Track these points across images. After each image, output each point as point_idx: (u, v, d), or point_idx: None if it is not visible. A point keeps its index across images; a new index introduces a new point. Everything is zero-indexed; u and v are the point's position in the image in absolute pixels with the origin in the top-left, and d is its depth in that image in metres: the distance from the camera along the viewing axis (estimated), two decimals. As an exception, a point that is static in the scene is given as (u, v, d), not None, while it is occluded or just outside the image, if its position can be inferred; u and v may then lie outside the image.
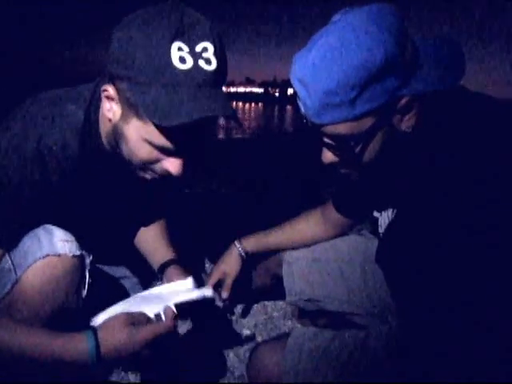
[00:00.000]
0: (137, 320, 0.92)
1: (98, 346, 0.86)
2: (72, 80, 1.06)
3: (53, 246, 0.93)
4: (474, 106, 0.85)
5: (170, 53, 0.79)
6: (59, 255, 0.93)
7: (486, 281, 0.77)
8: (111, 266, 1.24)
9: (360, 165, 0.87)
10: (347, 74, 0.76)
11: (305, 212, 1.42)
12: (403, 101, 0.80)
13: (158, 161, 0.90)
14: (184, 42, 0.80)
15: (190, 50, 0.80)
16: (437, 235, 0.81)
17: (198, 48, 0.81)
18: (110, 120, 0.89)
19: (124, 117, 0.86)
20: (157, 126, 0.82)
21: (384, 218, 1.00)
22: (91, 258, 0.99)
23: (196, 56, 0.80)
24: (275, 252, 1.43)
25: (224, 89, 0.87)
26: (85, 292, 0.99)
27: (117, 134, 0.89)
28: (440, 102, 0.83)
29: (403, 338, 1.00)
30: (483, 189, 0.75)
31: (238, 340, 1.48)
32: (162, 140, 0.85)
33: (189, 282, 1.09)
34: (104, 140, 0.95)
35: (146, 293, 1.06)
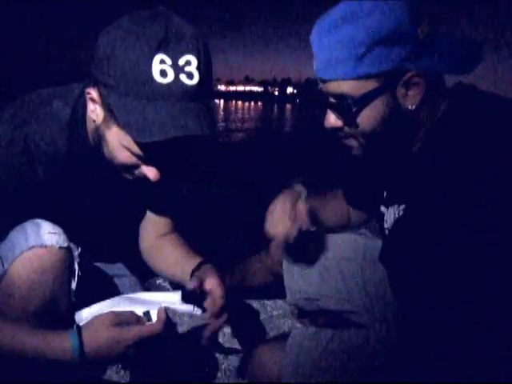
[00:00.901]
0: (125, 319, 0.90)
1: (81, 344, 0.86)
2: (72, 80, 1.06)
3: (39, 238, 0.93)
4: (486, 105, 0.85)
5: (151, 65, 0.79)
6: (46, 246, 0.93)
7: (487, 281, 0.76)
8: (108, 263, 1.23)
9: (360, 132, 0.89)
10: (357, 30, 0.81)
11: None
12: (409, 74, 0.83)
13: (137, 166, 0.91)
14: (167, 54, 0.80)
15: (173, 63, 0.80)
16: (443, 235, 0.81)
17: (181, 61, 0.80)
18: (94, 121, 0.91)
19: (106, 121, 0.87)
20: None
21: (390, 213, 1.00)
22: (79, 250, 0.99)
23: (178, 70, 0.80)
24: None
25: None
26: (74, 284, 0.99)
27: (99, 135, 0.91)
28: (452, 100, 0.86)
29: (403, 338, 1.00)
30: (494, 190, 0.75)
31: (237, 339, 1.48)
32: (139, 150, 0.86)
33: (177, 295, 1.01)
34: (90, 137, 0.97)
35: (134, 295, 1.05)
